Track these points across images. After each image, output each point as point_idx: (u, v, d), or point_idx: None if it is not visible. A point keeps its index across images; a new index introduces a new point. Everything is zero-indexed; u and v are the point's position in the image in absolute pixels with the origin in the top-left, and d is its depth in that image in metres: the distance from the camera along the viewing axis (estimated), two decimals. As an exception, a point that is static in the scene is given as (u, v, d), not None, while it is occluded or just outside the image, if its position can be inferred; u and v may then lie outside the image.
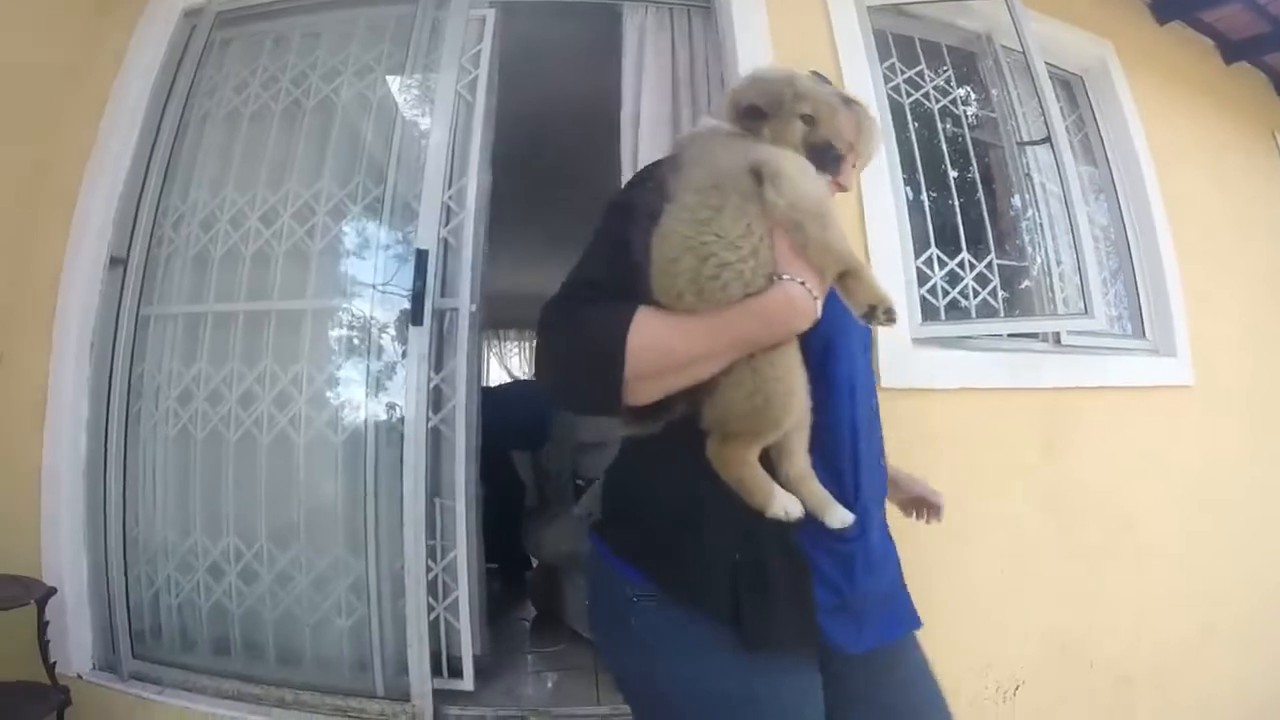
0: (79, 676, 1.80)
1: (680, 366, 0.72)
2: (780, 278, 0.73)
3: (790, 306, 0.73)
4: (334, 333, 1.88)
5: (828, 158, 0.82)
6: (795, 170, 0.77)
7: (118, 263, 1.94)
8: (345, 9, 2.06)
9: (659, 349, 0.72)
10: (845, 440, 0.85)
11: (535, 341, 0.78)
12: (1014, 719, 1.86)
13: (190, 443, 1.88)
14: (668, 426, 0.77)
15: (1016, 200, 2.23)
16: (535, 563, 2.70)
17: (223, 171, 1.99)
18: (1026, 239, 2.20)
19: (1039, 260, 2.17)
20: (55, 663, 1.71)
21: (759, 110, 0.81)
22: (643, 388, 0.72)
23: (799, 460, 0.80)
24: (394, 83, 1.98)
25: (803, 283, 0.73)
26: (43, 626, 1.68)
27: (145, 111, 1.99)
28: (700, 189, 0.75)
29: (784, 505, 0.76)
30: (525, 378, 6.41)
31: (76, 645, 1.82)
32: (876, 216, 1.90)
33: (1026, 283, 2.21)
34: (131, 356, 1.90)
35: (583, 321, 0.74)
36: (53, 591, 1.73)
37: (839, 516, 0.80)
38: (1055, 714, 1.92)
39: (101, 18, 2.07)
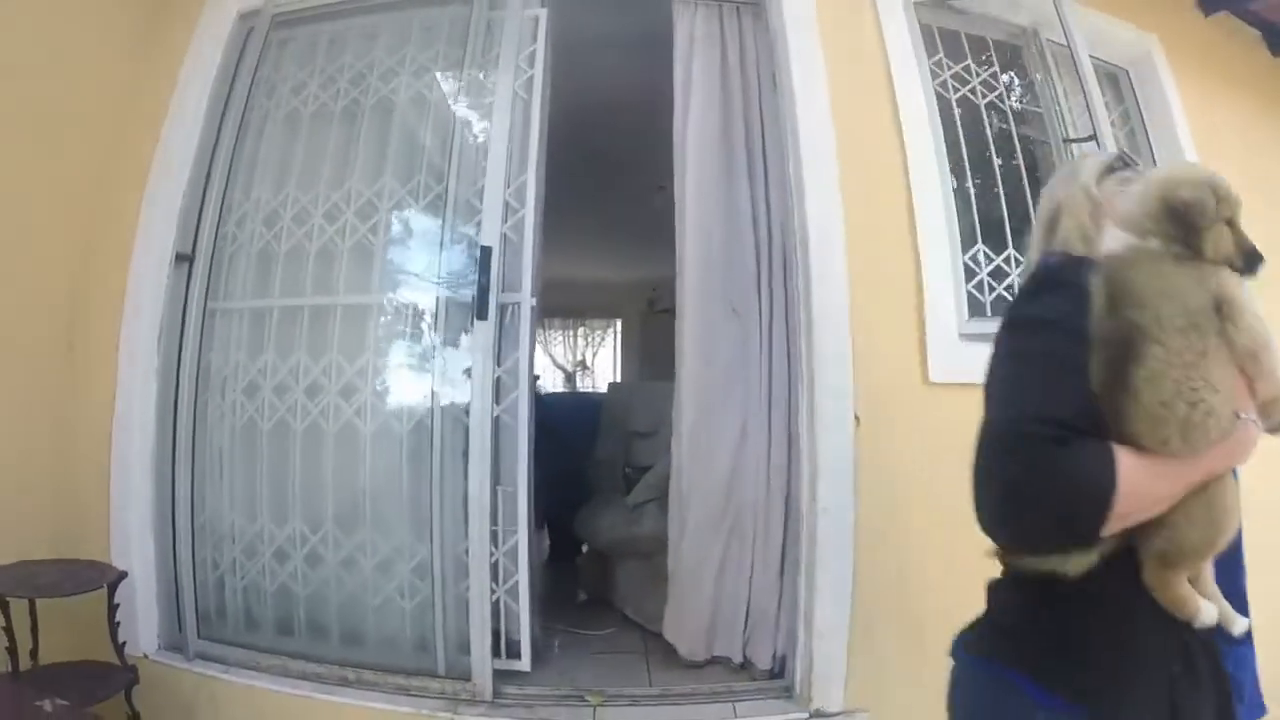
0: (145, 656, 1.88)
1: (1152, 508, 0.74)
2: (1240, 415, 0.74)
3: (1249, 443, 0.74)
4: (398, 326, 1.94)
5: (1255, 265, 0.79)
6: (1246, 299, 0.77)
7: (183, 259, 2.01)
8: (399, 10, 2.11)
9: (1144, 494, 0.72)
10: (1234, 547, 0.84)
11: (982, 471, 0.77)
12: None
13: (256, 432, 1.95)
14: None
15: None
16: (585, 549, 2.76)
17: (284, 170, 2.05)
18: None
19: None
20: (125, 643, 1.78)
21: (1191, 220, 0.77)
22: (1110, 528, 0.72)
23: (1206, 570, 0.81)
24: (451, 82, 2.02)
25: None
26: (113, 609, 1.76)
27: (206, 112, 2.05)
28: (1181, 329, 0.74)
29: (1210, 614, 0.77)
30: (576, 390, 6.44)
31: (144, 626, 1.90)
32: (925, 212, 1.91)
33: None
34: (199, 349, 1.97)
35: (1063, 466, 0.71)
36: (124, 575, 1.80)
37: (1240, 622, 0.81)
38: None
39: (157, 21, 2.13)
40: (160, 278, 1.96)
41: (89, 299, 2.03)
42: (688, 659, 1.90)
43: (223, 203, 2.03)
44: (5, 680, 1.63)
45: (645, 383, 3.15)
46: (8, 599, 1.66)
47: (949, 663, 1.86)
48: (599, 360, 7.27)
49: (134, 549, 1.89)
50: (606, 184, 3.55)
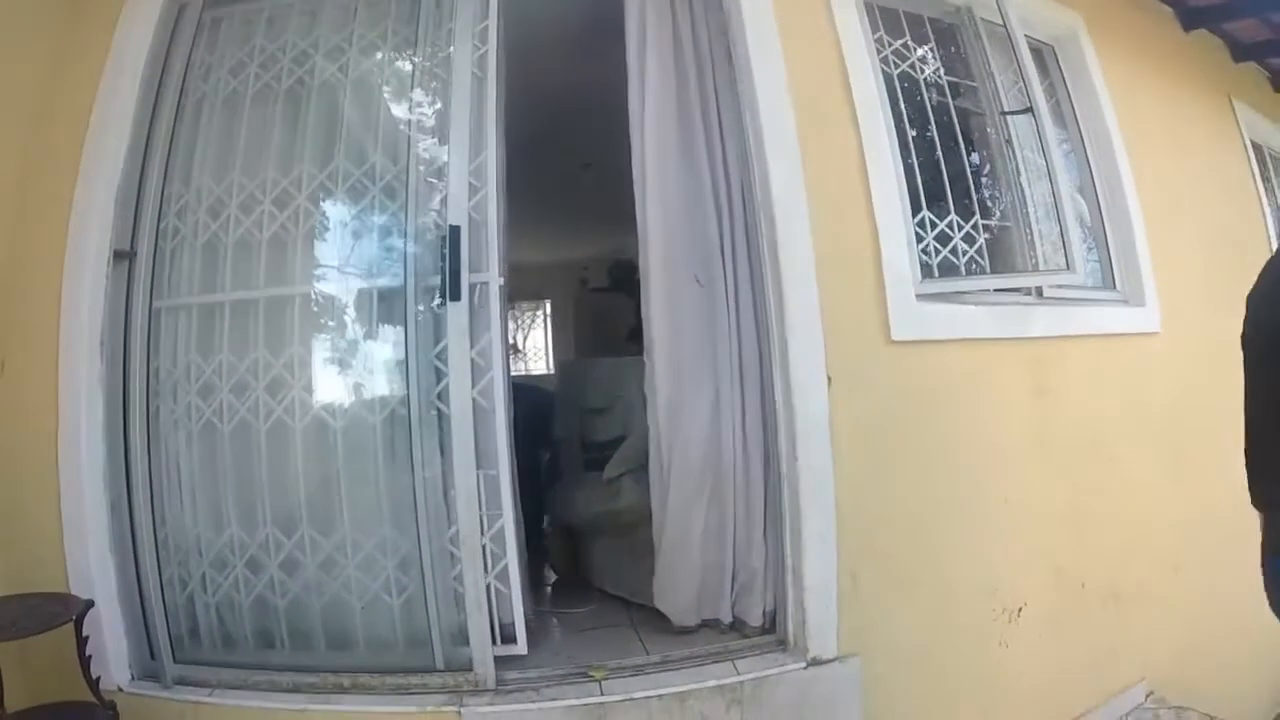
0: (119, 689, 1.76)
1: None
2: None
3: None
4: (360, 314, 1.88)
5: None
6: None
7: (123, 256, 1.87)
8: (342, -14, 2.02)
9: None
10: None
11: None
12: (1020, 637, 2.05)
13: (217, 435, 1.85)
14: None
15: (997, 165, 2.38)
16: (546, 529, 2.76)
17: (227, 156, 1.94)
18: (1007, 200, 2.36)
19: (1020, 219, 2.33)
20: (99, 678, 1.66)
21: None
22: None
23: None
24: (402, 59, 1.96)
25: None
26: (83, 642, 1.64)
27: (138, 98, 1.91)
28: None
29: None
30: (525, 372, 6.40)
31: (114, 657, 1.78)
32: (879, 181, 2.01)
33: (1009, 240, 2.37)
34: (146, 352, 1.85)
35: None
36: (90, 605, 1.68)
37: None
38: (1055, 630, 2.12)
39: (85, 4, 1.97)
40: (99, 278, 1.83)
41: (19, 308, 1.87)
42: (679, 625, 1.94)
43: (162, 194, 1.90)
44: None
45: (593, 359, 3.16)
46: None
47: (933, 604, 1.99)
48: (529, 343, 7.25)
49: (94, 575, 1.76)
50: (533, 165, 3.52)
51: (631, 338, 3.54)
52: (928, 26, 2.32)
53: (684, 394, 1.92)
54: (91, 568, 1.77)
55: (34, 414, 1.82)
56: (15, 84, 1.91)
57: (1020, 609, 2.06)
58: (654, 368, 1.94)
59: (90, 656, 1.65)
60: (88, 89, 1.92)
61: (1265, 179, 3.42)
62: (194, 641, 1.86)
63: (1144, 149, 2.57)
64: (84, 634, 1.64)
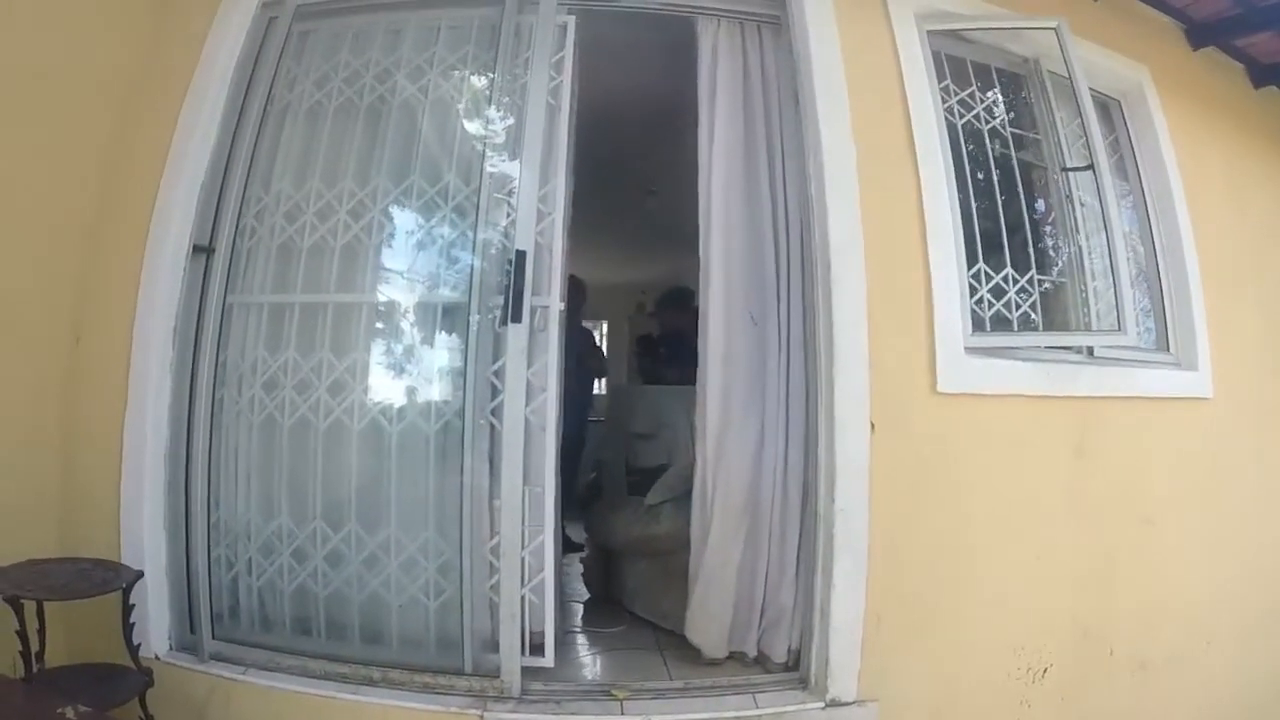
0: (156, 658, 1.84)
1: None
2: None
3: None
4: (423, 326, 1.95)
5: None
6: None
7: (202, 251, 1.97)
8: (426, 9, 2.10)
9: None
10: None
11: None
12: (1044, 698, 2.03)
13: (276, 429, 1.93)
14: None
15: (1055, 219, 2.37)
16: (585, 549, 2.80)
17: (307, 164, 2.03)
18: (1064, 256, 2.35)
19: (1075, 276, 2.31)
20: (140, 645, 1.74)
21: None
22: None
23: None
24: (480, 84, 2.03)
25: None
26: (128, 609, 1.71)
27: (226, 101, 2.02)
28: None
29: None
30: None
31: (155, 627, 1.86)
32: (936, 230, 2.02)
33: (1062, 296, 2.36)
34: (217, 344, 1.94)
35: None
36: (139, 575, 1.76)
37: None
38: (1080, 694, 2.09)
39: (178, 8, 2.08)
40: (177, 269, 1.92)
41: (99, 290, 1.97)
42: (710, 657, 1.96)
43: (243, 195, 1.99)
44: (18, 686, 1.57)
45: (643, 386, 3.20)
46: (22, 600, 1.60)
47: (956, 656, 1.99)
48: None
49: (146, 547, 1.85)
50: (599, 189, 3.59)
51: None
52: (994, 76, 2.32)
53: (731, 428, 1.95)
54: (144, 540, 1.86)
55: (104, 391, 1.92)
56: (107, 77, 2.01)
57: (1046, 670, 2.05)
58: (706, 399, 1.97)
59: (133, 624, 1.72)
60: (177, 89, 2.02)
61: (1328, 243, 3.32)
62: (233, 621, 1.94)
63: (1206, 207, 2.53)
64: (131, 603, 1.72)
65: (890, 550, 1.86)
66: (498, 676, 1.76)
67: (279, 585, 1.92)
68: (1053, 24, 2.20)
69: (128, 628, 1.72)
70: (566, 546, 2.76)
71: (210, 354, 1.94)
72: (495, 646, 1.79)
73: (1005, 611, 2.03)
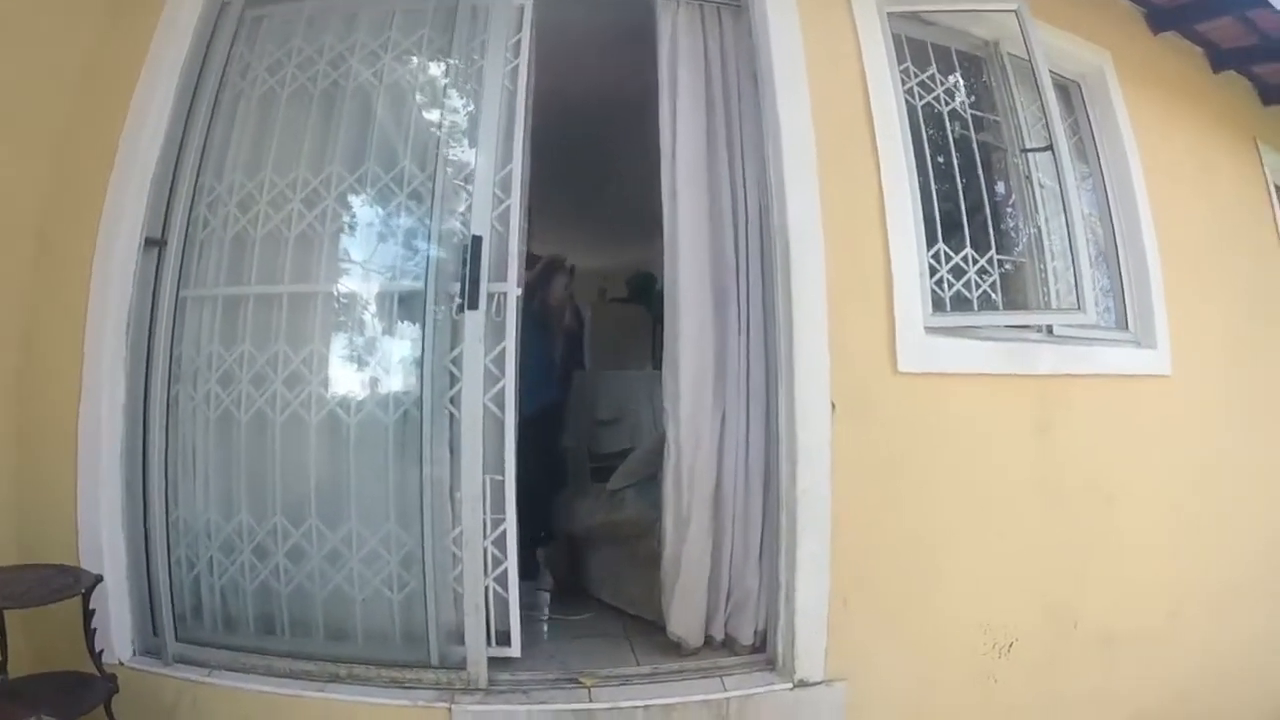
0: (120, 663, 1.81)
1: None
2: None
3: None
4: (381, 315, 1.92)
5: None
6: None
7: (154, 244, 1.93)
8: (381, -8, 2.07)
9: None
10: None
11: None
12: (1010, 672, 2.06)
13: (233, 424, 1.90)
14: None
15: (1016, 200, 2.39)
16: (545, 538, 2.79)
17: (260, 153, 1.99)
18: (1024, 236, 2.37)
19: (1035, 255, 2.34)
20: (102, 651, 1.71)
21: None
22: None
23: None
24: (436, 68, 2.00)
25: None
26: (89, 615, 1.68)
27: (177, 90, 1.97)
28: None
29: None
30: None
31: (118, 631, 1.83)
32: (895, 212, 2.03)
33: (1022, 276, 2.38)
34: (171, 339, 1.90)
35: None
36: (100, 580, 1.72)
37: None
38: (1046, 668, 2.13)
39: (128, -7, 2.03)
40: (129, 263, 1.88)
41: (50, 289, 1.92)
42: (688, 644, 1.93)
43: (195, 185, 1.95)
44: (-18, 696, 1.55)
45: (606, 371, 3.19)
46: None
47: (923, 634, 2.01)
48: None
49: (105, 549, 1.81)
50: (559, 177, 3.56)
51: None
52: (954, 59, 2.33)
53: (703, 411, 1.95)
54: (102, 542, 1.83)
55: (57, 390, 1.88)
56: (58, 68, 1.96)
57: (1011, 644, 2.07)
58: (680, 383, 1.95)
59: (95, 629, 1.69)
60: (128, 78, 1.97)
61: (1288, 223, 3.39)
62: (196, 622, 1.91)
63: (1165, 189, 2.57)
64: (91, 607, 1.68)
65: (854, 531, 1.87)
66: (464, 668, 1.75)
67: (241, 584, 1.89)
68: (1012, 6, 2.21)
69: (90, 634, 1.68)
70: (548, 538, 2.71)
71: (165, 349, 1.91)
72: (461, 638, 1.78)
73: (971, 588, 2.05)
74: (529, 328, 2.02)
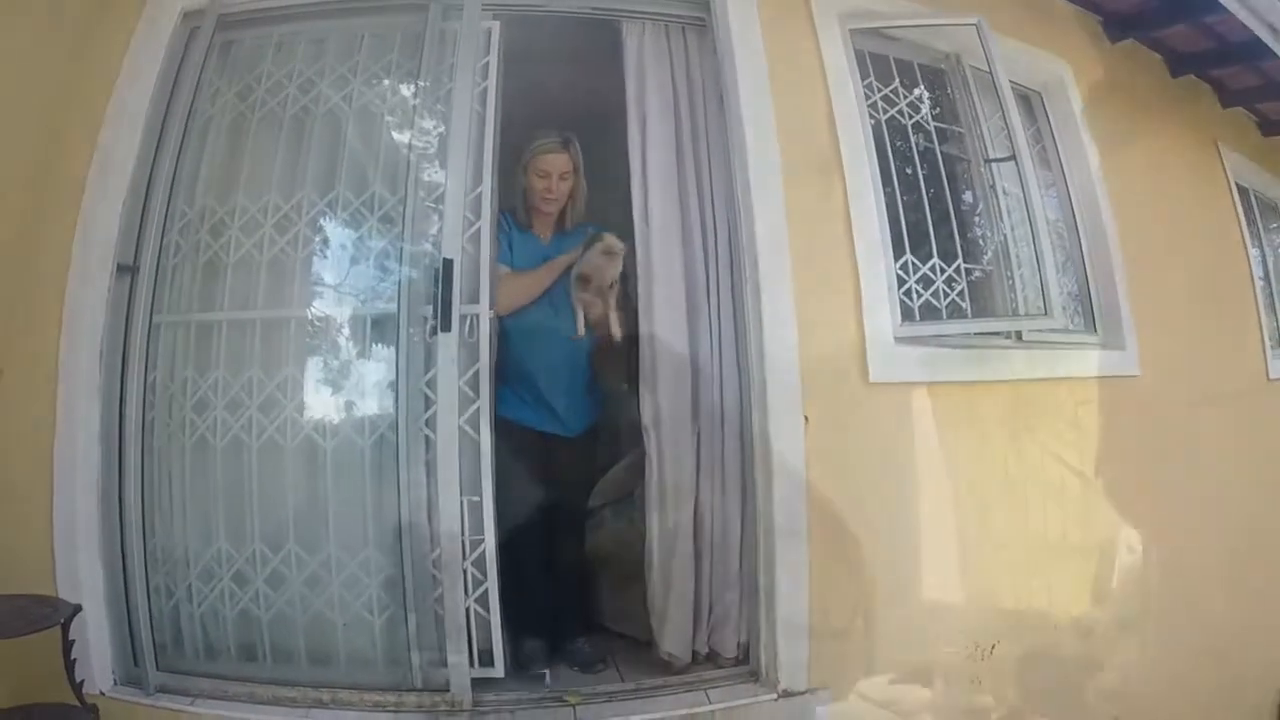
0: (101, 694, 1.79)
1: None
2: None
3: None
4: (354, 339, 1.93)
5: None
6: None
7: (126, 270, 1.92)
8: (350, 17, 2.07)
9: None
10: None
11: None
12: (993, 674, 2.08)
13: (209, 451, 1.89)
14: None
15: (982, 209, 2.44)
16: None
17: (231, 178, 1.99)
18: (990, 244, 2.42)
19: (1002, 263, 2.38)
20: (83, 681, 1.68)
21: None
22: None
23: None
24: (405, 92, 2.02)
25: None
26: (68, 645, 1.66)
27: (147, 115, 1.95)
28: None
29: None
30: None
31: (98, 661, 1.81)
32: (861, 225, 2.06)
33: (990, 284, 2.43)
34: (145, 366, 1.89)
35: None
36: (78, 609, 1.70)
37: None
38: (1028, 667, 2.16)
39: (98, 20, 2.02)
40: (101, 290, 1.87)
41: (20, 315, 1.91)
42: (680, 661, 1.93)
43: (167, 211, 1.94)
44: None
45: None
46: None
47: (905, 640, 2.04)
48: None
49: (83, 579, 1.79)
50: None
51: None
52: (917, 72, 2.38)
53: (682, 427, 1.96)
54: (80, 572, 1.81)
55: (31, 419, 1.86)
56: (28, 96, 1.94)
57: (993, 647, 2.10)
58: (658, 398, 1.96)
59: (75, 660, 1.67)
60: (98, 105, 1.96)
61: (1251, 223, 3.47)
62: (177, 651, 1.89)
63: (1128, 194, 2.62)
64: (70, 638, 1.66)
65: (832, 541, 1.89)
66: (448, 690, 1.75)
67: (221, 611, 1.88)
68: (973, 21, 2.26)
69: (70, 664, 1.66)
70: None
71: (139, 376, 1.89)
72: (444, 660, 1.78)
73: (951, 593, 2.08)
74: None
